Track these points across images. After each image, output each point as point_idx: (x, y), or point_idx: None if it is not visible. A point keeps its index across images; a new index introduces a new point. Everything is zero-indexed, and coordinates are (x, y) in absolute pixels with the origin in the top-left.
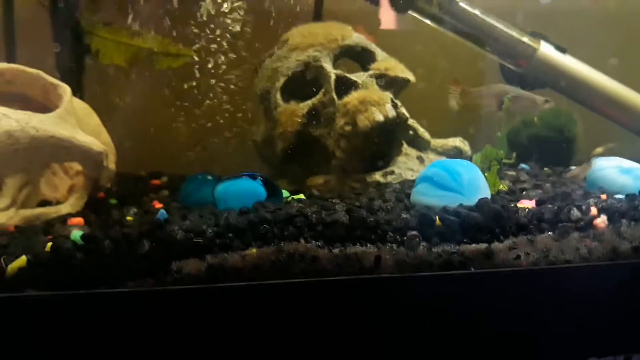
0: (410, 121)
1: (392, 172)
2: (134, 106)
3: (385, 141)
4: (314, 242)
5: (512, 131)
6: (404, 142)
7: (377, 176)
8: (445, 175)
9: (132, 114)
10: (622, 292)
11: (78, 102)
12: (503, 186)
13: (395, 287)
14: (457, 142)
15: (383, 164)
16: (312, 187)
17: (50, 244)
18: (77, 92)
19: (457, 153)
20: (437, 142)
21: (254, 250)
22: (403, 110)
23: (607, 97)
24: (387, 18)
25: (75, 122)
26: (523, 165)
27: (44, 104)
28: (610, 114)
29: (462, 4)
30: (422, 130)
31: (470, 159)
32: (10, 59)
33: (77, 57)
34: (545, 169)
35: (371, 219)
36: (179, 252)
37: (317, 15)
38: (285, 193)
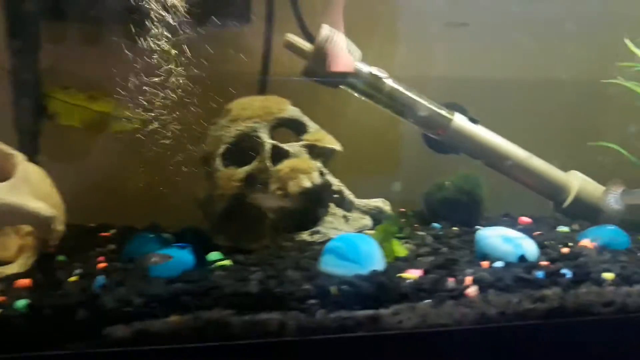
0: (337, 185)
1: (318, 232)
2: (88, 163)
3: (312, 204)
4: (227, 310)
5: (427, 193)
6: (331, 203)
7: (305, 236)
8: (346, 248)
9: (85, 169)
10: (491, 351)
11: (32, 167)
12: (403, 252)
13: (296, 349)
14: (378, 202)
15: (312, 223)
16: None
17: None
18: (35, 152)
19: (378, 212)
20: (361, 202)
21: (175, 317)
22: (329, 177)
23: (513, 162)
24: None
25: (27, 189)
26: (435, 225)
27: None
28: (516, 176)
29: (388, 82)
30: (347, 193)
31: (389, 217)
32: None
33: (35, 119)
34: (454, 228)
35: (278, 290)
36: (110, 319)
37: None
38: (217, 255)
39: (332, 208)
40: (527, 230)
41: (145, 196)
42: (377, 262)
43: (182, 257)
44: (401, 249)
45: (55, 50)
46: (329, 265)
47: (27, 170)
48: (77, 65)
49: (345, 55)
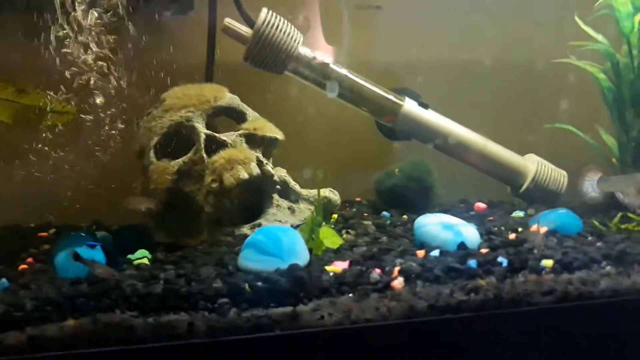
0: (281, 175)
1: (260, 225)
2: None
3: (252, 196)
4: (128, 312)
5: (377, 181)
6: (275, 195)
7: (245, 229)
8: (267, 241)
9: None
10: (418, 346)
11: None
12: (334, 244)
13: (207, 351)
14: (326, 192)
15: (256, 216)
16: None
17: None
18: None
19: (327, 202)
20: (309, 193)
21: (72, 321)
22: (269, 167)
23: (467, 147)
24: None
25: None
26: (385, 213)
27: None
28: (471, 161)
29: (332, 66)
30: (293, 183)
31: (338, 207)
32: None
33: None
34: (404, 216)
35: (184, 289)
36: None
37: (209, 69)
38: (143, 253)
39: (277, 199)
40: (480, 217)
41: (87, 193)
42: (301, 255)
43: (92, 256)
44: (335, 240)
45: None
46: (249, 260)
47: None
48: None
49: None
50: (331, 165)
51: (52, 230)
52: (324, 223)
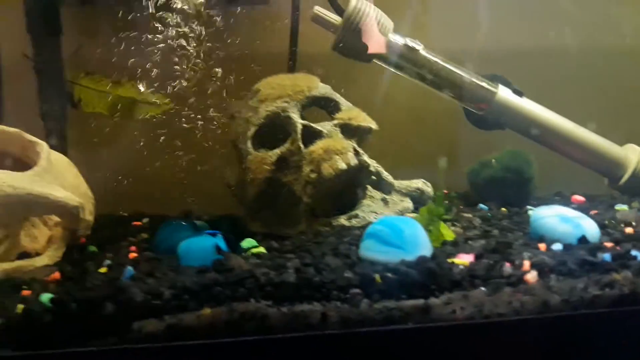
0: (374, 166)
1: (357, 216)
2: (117, 150)
3: (349, 187)
4: (263, 301)
5: (472, 172)
6: (368, 186)
7: (343, 220)
8: (389, 232)
9: (115, 157)
10: (552, 342)
11: (57, 156)
12: (449, 236)
13: (339, 343)
14: (419, 183)
15: (349, 207)
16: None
17: (21, 306)
18: (61, 139)
19: (420, 194)
20: (401, 184)
21: (208, 310)
22: (365, 157)
23: (564, 137)
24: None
25: (51, 177)
26: (482, 206)
27: (23, 160)
28: (567, 152)
29: (423, 53)
30: (385, 174)
31: (432, 198)
32: None
33: (60, 105)
34: (503, 209)
35: (317, 279)
36: (139, 313)
37: (292, 59)
38: (251, 242)
39: (370, 191)
40: (582, 210)
41: (178, 183)
42: (424, 247)
43: (213, 244)
44: (448, 232)
45: (78, 37)
46: (370, 250)
47: (51, 159)
48: (100, 51)
49: (376, 32)
50: (415, 155)
51: (146, 220)
52: (443, 215)
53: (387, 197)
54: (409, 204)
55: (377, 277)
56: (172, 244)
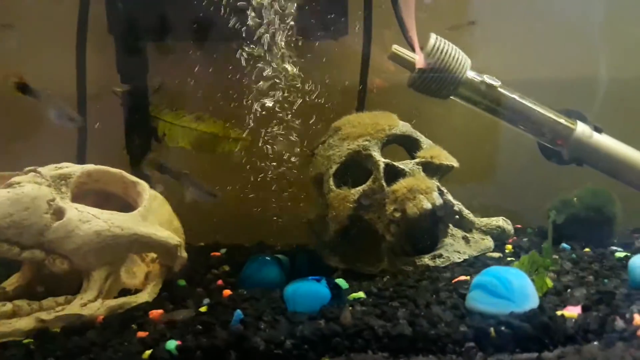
0: (456, 204)
1: (441, 256)
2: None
3: (432, 226)
4: (380, 353)
5: (552, 210)
6: (449, 224)
7: (426, 259)
8: (497, 283)
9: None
10: None
11: (154, 194)
12: (548, 283)
13: None
14: (500, 221)
15: (431, 246)
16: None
17: (148, 352)
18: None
19: (501, 232)
20: (481, 222)
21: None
22: (449, 197)
23: None
24: None
25: (153, 218)
26: (564, 245)
27: (124, 199)
28: None
29: (500, 90)
30: (466, 212)
31: (512, 236)
32: (82, 145)
33: (145, 140)
34: (586, 249)
35: (432, 332)
36: None
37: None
38: (342, 283)
39: (451, 229)
40: None
41: (249, 215)
42: (531, 298)
43: (319, 290)
44: (548, 281)
45: (163, 72)
46: (478, 302)
47: (151, 199)
48: (184, 86)
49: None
50: (489, 191)
51: (223, 250)
52: (550, 266)
53: (468, 235)
54: (490, 242)
55: (492, 331)
56: (259, 280)
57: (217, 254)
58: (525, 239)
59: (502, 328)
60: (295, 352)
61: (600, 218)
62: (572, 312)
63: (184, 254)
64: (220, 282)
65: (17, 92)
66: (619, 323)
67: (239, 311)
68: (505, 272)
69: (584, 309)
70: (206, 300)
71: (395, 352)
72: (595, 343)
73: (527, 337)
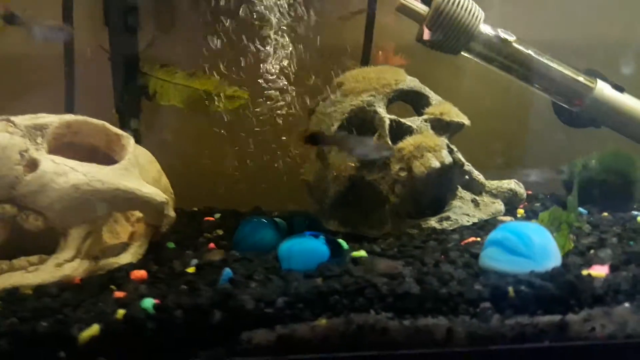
0: (466, 165)
1: (448, 218)
2: (189, 143)
3: (441, 187)
4: (383, 313)
5: (568, 173)
6: (458, 186)
7: (433, 222)
8: (516, 240)
9: (187, 151)
10: None
11: (141, 150)
12: (570, 243)
13: None
14: (512, 184)
15: (438, 209)
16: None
17: (122, 311)
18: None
19: (512, 195)
20: (491, 185)
21: (324, 321)
22: (459, 155)
23: None
24: None
25: (138, 172)
26: (581, 210)
27: (107, 153)
28: None
29: (515, 45)
30: (476, 173)
31: (524, 201)
32: (69, 101)
33: (135, 98)
34: (605, 213)
35: (443, 291)
36: (249, 323)
37: (366, 52)
38: (342, 244)
39: (460, 191)
40: None
41: (245, 179)
42: (553, 257)
43: (317, 247)
44: (569, 241)
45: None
46: (494, 259)
47: (136, 153)
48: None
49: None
50: (500, 154)
51: (218, 215)
52: (575, 222)
53: (477, 198)
54: (500, 206)
55: (510, 290)
56: (254, 242)
57: (211, 218)
58: (537, 204)
59: (522, 287)
60: (288, 312)
61: (620, 182)
62: (600, 271)
63: (172, 213)
64: (212, 245)
65: (3, 26)
66: None
67: (228, 269)
68: (525, 228)
69: (612, 268)
70: (194, 261)
71: (401, 313)
72: (627, 305)
73: (550, 297)
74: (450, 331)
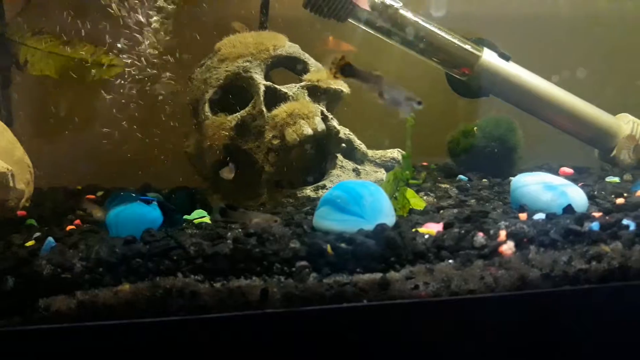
0: (345, 133)
1: (324, 187)
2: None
3: (315, 155)
4: (192, 276)
5: (452, 141)
6: (339, 155)
7: (308, 191)
8: (347, 198)
9: (64, 126)
10: (530, 322)
11: None
12: (419, 205)
13: (283, 323)
14: (395, 153)
15: (316, 177)
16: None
17: None
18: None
19: (395, 164)
20: (375, 154)
21: (127, 285)
22: (334, 122)
23: (553, 105)
24: None
25: None
26: (462, 177)
27: None
28: (557, 121)
29: (402, 11)
30: (358, 142)
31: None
32: None
33: (3, 67)
34: (484, 180)
35: (257, 250)
36: (46, 289)
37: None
38: (200, 213)
39: (341, 160)
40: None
41: (136, 154)
42: (386, 215)
43: (146, 213)
44: (418, 201)
45: None
46: (325, 219)
47: None
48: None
49: None
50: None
51: (100, 193)
52: (409, 178)
53: (359, 167)
54: (382, 174)
55: (328, 247)
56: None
57: (92, 196)
58: (423, 173)
59: (342, 245)
60: (87, 277)
61: (500, 148)
62: (431, 229)
63: (21, 186)
64: (78, 221)
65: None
66: (479, 239)
67: (51, 238)
68: (358, 186)
69: (446, 226)
70: (37, 234)
71: (212, 274)
72: (450, 261)
73: (370, 254)
74: (265, 292)
